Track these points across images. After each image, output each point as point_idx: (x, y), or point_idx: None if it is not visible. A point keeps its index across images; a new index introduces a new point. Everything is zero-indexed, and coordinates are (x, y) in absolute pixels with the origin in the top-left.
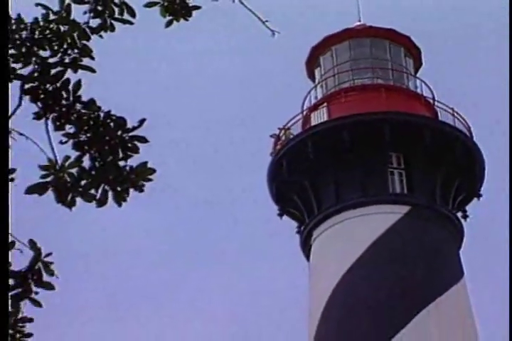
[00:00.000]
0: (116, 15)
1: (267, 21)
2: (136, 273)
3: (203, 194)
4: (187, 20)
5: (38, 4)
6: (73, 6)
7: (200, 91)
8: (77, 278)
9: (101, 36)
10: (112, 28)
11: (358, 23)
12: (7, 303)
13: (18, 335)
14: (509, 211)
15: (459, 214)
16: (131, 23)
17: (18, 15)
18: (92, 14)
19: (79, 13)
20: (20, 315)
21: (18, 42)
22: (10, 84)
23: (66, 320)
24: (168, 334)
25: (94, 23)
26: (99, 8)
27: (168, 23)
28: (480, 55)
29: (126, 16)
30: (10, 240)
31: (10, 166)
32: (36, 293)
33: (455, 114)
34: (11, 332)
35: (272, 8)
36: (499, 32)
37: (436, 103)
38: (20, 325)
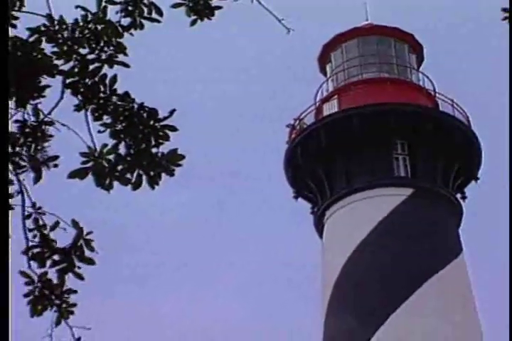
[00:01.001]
0: (145, 15)
1: (282, 20)
2: (162, 249)
3: (228, 179)
4: (210, 19)
5: (77, 6)
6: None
7: (223, 86)
8: (113, 254)
9: (131, 34)
10: (142, 26)
11: (366, 23)
12: (7, 302)
13: (64, 305)
14: (509, 192)
15: (459, 196)
16: (158, 22)
17: (60, 16)
18: (123, 14)
19: (111, 12)
20: (65, 287)
21: (60, 41)
22: (52, 79)
23: (105, 291)
24: (193, 308)
25: (125, 21)
26: (130, 8)
27: (193, 22)
28: (479, 51)
29: (154, 15)
30: (55, 220)
31: (53, 154)
32: (79, 267)
33: (454, 105)
34: (58, 302)
35: (287, 10)
36: (498, 30)
37: (437, 95)
38: (66, 296)
